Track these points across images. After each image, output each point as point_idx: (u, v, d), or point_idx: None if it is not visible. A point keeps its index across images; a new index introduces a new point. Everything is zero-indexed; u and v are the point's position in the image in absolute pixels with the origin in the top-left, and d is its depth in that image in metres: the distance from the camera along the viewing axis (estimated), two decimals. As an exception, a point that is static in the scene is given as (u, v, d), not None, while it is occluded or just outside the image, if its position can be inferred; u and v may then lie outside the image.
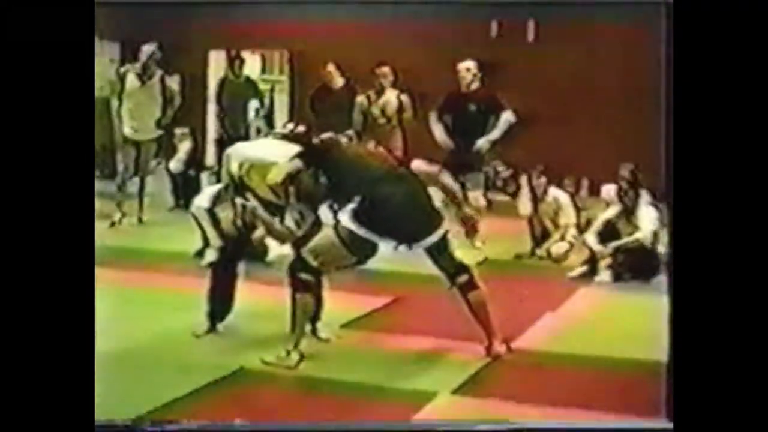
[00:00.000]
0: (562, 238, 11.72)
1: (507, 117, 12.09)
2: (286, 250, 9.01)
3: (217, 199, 10.98)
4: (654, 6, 6.51)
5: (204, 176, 14.92)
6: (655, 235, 10.88)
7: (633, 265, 10.78)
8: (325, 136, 8.59)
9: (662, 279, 10.55)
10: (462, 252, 8.58)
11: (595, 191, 13.28)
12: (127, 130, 13.42)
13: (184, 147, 15.24)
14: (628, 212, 11.00)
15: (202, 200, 11.08)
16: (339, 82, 13.61)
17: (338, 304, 8.39)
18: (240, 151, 8.63)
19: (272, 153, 8.23)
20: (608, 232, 10.99)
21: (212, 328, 8.29)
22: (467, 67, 12.23)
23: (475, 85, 12.22)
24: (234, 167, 8.40)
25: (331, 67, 13.68)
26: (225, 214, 8.74)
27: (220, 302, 8.38)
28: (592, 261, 10.97)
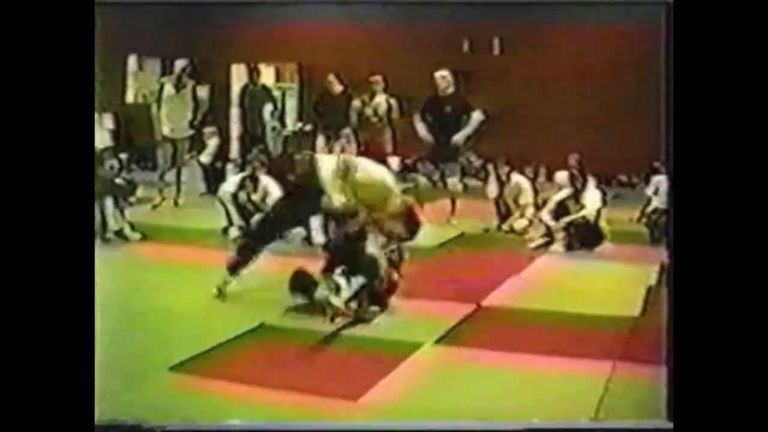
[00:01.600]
0: (522, 216, 11.77)
1: (477, 116, 12.07)
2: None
3: (240, 185, 11.06)
4: (650, 6, 6.23)
5: (229, 167, 14.91)
6: (598, 212, 10.95)
7: (580, 238, 10.81)
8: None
9: (604, 248, 10.66)
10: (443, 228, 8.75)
11: (550, 177, 13.23)
12: (165, 130, 13.41)
13: (213, 143, 15.23)
14: (577, 194, 11.03)
15: (227, 186, 11.15)
16: (338, 88, 13.59)
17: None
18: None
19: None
20: (560, 211, 11.00)
21: (220, 293, 8.19)
22: (443, 76, 12.23)
23: (450, 90, 12.21)
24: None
25: (331, 77, 13.68)
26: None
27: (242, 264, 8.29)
28: (548, 234, 10.99)
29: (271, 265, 8.48)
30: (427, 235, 8.67)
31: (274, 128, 15.33)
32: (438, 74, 12.25)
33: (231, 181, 11.38)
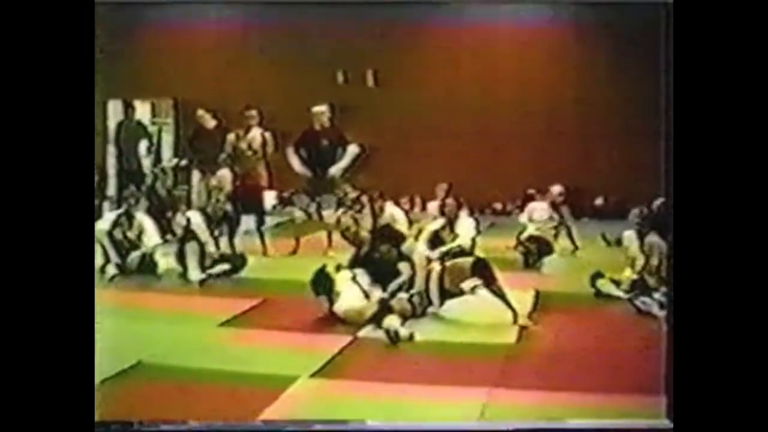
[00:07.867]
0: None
1: (353, 149, 12.18)
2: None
3: (115, 223, 10.94)
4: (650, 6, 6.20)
5: (106, 204, 14.67)
6: (473, 240, 10.96)
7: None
8: None
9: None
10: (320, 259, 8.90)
11: (425, 208, 13.36)
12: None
13: (90, 180, 14.99)
14: (451, 223, 11.03)
15: (102, 224, 10.98)
16: (211, 123, 13.41)
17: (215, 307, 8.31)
18: None
19: None
20: (436, 241, 11.00)
21: None
22: (321, 111, 12.33)
23: (326, 124, 12.30)
24: None
25: (200, 112, 13.50)
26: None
27: None
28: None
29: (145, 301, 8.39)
30: (304, 268, 8.73)
31: (156, 164, 15.20)
32: (317, 109, 12.35)
33: (106, 219, 11.23)
